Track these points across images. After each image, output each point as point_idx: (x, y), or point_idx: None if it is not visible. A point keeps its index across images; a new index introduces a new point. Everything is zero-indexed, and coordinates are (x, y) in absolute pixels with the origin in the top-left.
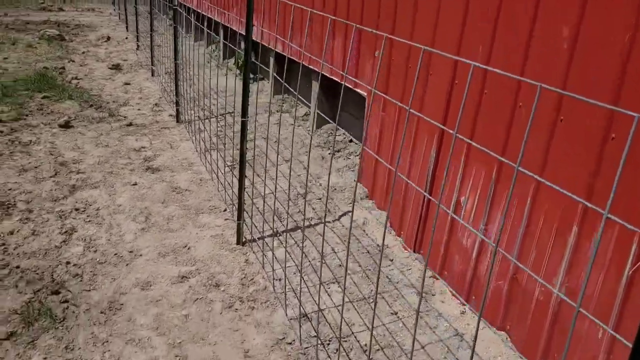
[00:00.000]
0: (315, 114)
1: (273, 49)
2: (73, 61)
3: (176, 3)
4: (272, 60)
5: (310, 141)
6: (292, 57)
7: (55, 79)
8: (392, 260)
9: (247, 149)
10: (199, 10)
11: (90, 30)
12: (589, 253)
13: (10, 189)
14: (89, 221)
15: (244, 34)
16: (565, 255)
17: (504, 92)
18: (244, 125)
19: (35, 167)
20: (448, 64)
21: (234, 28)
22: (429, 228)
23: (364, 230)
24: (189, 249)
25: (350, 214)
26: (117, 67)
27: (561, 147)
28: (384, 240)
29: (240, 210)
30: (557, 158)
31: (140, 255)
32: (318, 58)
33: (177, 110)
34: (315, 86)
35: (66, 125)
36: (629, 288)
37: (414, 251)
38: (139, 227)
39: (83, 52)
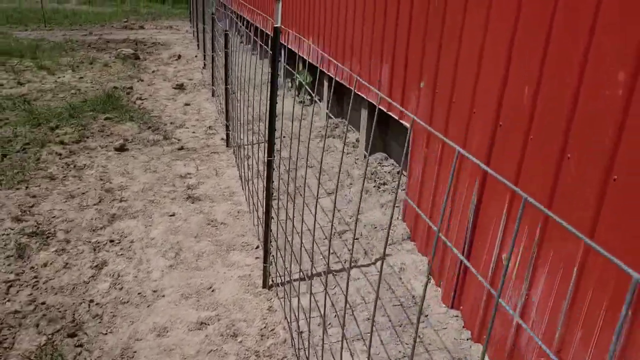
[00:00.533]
0: (364, 142)
1: (326, 72)
2: (142, 80)
3: (226, 30)
4: (326, 83)
5: (364, 180)
6: (342, 82)
7: (121, 99)
8: (427, 316)
9: (273, 188)
10: (262, 29)
11: (164, 48)
12: None
13: (54, 217)
14: (121, 254)
15: (303, 56)
16: (617, 333)
17: (551, 137)
18: (269, 165)
19: (83, 194)
20: (493, 100)
21: (293, 48)
22: (469, 282)
23: (401, 278)
24: (213, 290)
25: (387, 257)
26: (180, 87)
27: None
28: (423, 297)
29: (266, 252)
30: (609, 222)
31: (163, 296)
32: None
33: (227, 134)
34: (364, 113)
35: (121, 149)
36: None
37: (452, 307)
38: (167, 263)
39: (153, 71)
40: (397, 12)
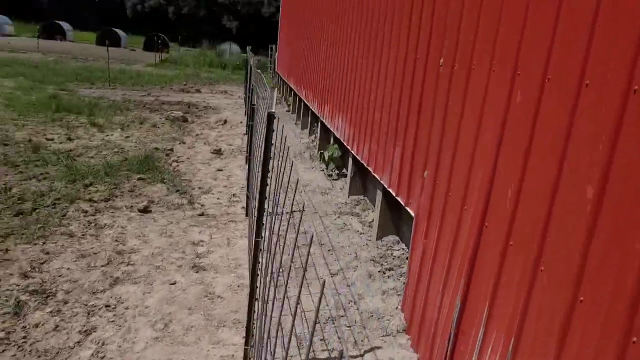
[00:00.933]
0: (377, 224)
1: (350, 149)
2: (183, 143)
3: (253, 104)
4: (350, 160)
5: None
6: (361, 161)
7: (159, 160)
8: None
9: (259, 270)
10: (304, 100)
11: (214, 112)
12: None
13: (60, 276)
14: (112, 321)
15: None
16: None
17: (529, 244)
18: (256, 246)
19: (94, 254)
20: (481, 199)
21: (326, 123)
22: None
23: None
24: None
25: (377, 350)
26: (218, 152)
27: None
28: None
29: (247, 334)
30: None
31: None
32: (381, 166)
33: (247, 203)
34: (379, 195)
35: (145, 210)
36: None
37: None
38: (154, 335)
39: (196, 134)
40: (409, 102)
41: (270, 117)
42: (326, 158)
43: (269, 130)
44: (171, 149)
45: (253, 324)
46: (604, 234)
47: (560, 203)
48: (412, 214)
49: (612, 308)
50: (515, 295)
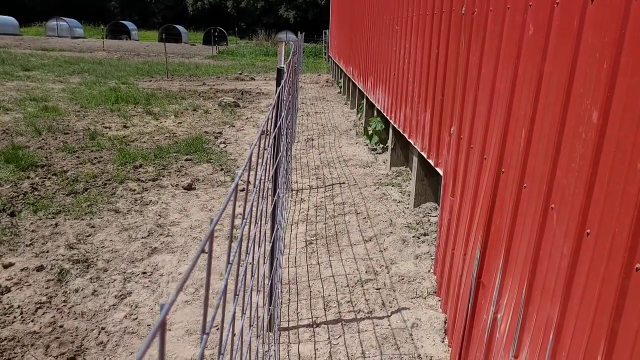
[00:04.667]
0: (414, 191)
1: (389, 119)
2: (233, 126)
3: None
4: (391, 131)
5: None
6: (398, 129)
7: (207, 142)
8: None
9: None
10: (351, 77)
11: (265, 97)
12: None
13: (102, 247)
14: (147, 287)
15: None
16: None
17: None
18: (273, 216)
19: (137, 227)
20: (498, 141)
21: (369, 97)
22: (473, 345)
23: (411, 335)
24: (217, 329)
25: (404, 311)
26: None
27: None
28: None
29: (271, 295)
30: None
31: (169, 330)
32: (414, 131)
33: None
34: (415, 161)
35: (189, 188)
36: None
37: None
38: (185, 299)
39: (247, 118)
40: (436, 61)
41: (280, 72)
42: (370, 132)
43: (279, 85)
44: (220, 132)
45: (274, 286)
46: (609, 159)
47: (568, 132)
48: (441, 173)
49: (617, 236)
50: (527, 240)
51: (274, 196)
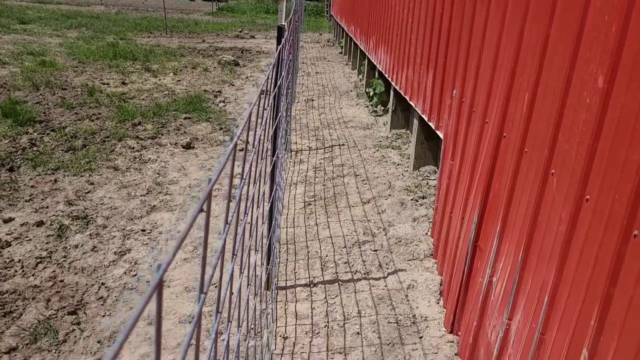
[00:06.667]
0: (413, 154)
1: (390, 80)
2: (232, 85)
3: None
4: (392, 93)
5: None
6: (399, 90)
7: (207, 101)
8: (420, 338)
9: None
10: (352, 37)
11: (265, 56)
12: None
13: (102, 204)
14: (146, 244)
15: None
16: None
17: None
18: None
19: (135, 185)
20: (500, 104)
21: (371, 58)
22: (467, 306)
23: (407, 295)
24: (215, 286)
25: (401, 272)
26: (265, 92)
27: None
28: None
29: (269, 253)
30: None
31: (168, 287)
32: (416, 94)
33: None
34: (415, 124)
35: (188, 147)
36: None
37: (451, 331)
38: (183, 256)
39: (246, 77)
40: (440, 21)
41: (280, 30)
42: (370, 93)
43: (280, 44)
44: (219, 91)
45: (272, 246)
46: (612, 125)
47: (572, 97)
48: (441, 136)
49: (617, 203)
50: (526, 204)
51: (273, 156)
